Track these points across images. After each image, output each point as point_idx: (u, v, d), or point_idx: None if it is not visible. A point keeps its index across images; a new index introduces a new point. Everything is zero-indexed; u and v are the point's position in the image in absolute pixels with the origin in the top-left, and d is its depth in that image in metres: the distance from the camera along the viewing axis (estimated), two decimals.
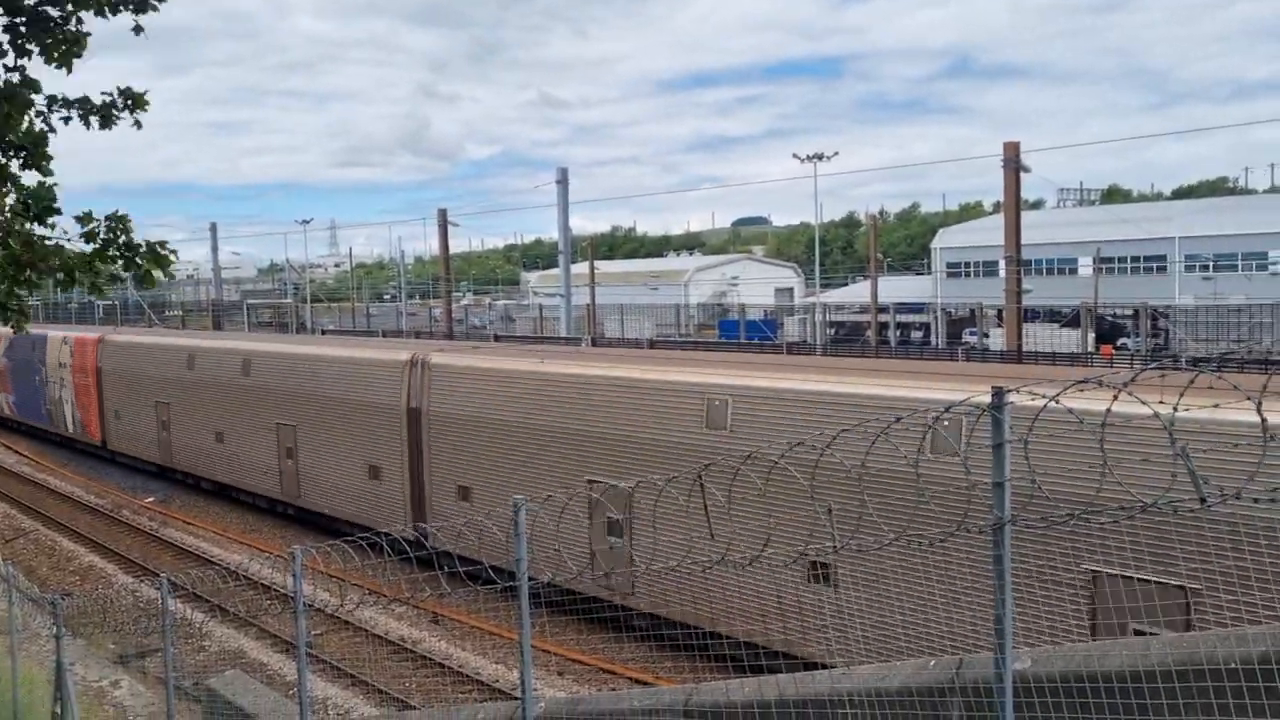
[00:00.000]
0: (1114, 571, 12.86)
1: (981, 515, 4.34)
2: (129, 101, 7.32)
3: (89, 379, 40.45)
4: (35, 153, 7.27)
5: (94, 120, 7.29)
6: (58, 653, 13.05)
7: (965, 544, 12.82)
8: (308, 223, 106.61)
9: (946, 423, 4.12)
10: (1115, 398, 3.74)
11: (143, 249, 7.47)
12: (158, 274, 7.68)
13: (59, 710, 12.80)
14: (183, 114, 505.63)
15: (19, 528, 31.70)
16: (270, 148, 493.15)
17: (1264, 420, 3.34)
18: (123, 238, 7.42)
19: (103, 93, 7.32)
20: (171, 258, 7.61)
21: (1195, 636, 4.77)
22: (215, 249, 76.98)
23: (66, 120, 7.29)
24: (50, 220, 7.41)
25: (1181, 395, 3.52)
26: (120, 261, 7.45)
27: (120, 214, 7.42)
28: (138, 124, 7.40)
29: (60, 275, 7.53)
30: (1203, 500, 3.47)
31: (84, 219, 7.42)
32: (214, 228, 76.08)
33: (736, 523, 5.80)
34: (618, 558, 18.94)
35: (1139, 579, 12.53)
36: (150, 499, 34.27)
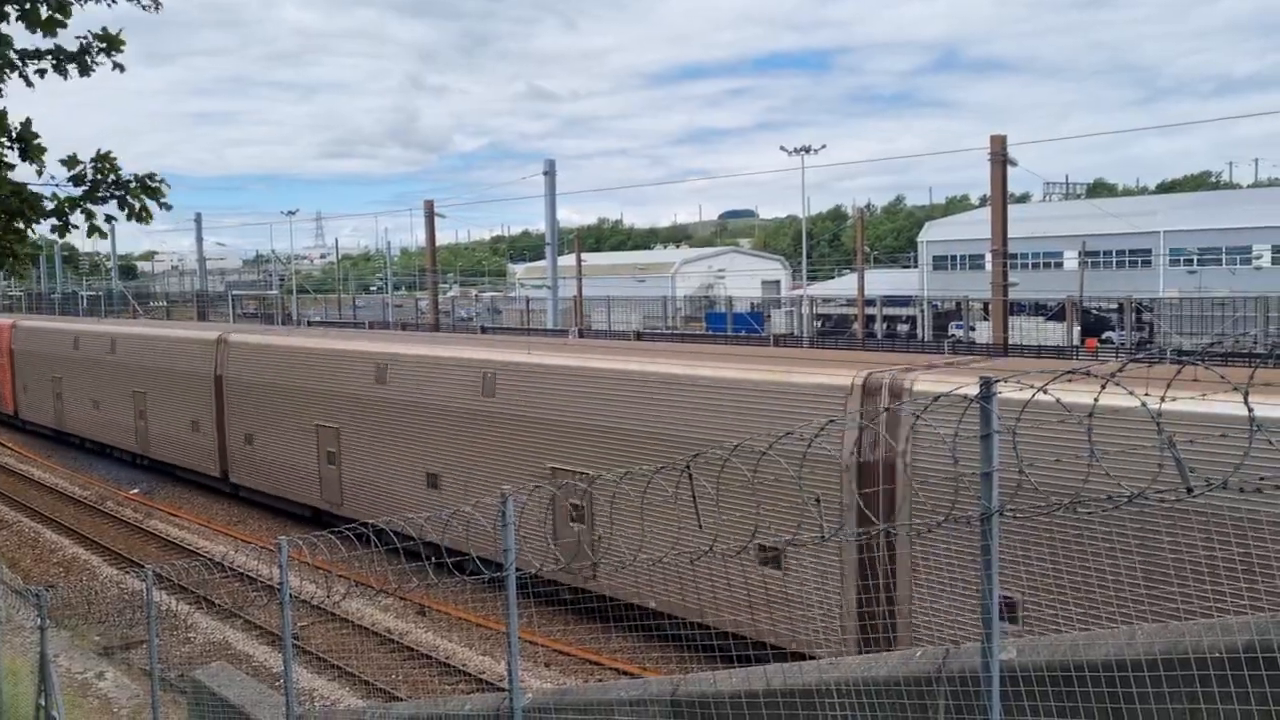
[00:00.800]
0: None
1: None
2: (104, 44, 7.15)
3: (4, 359, 47.29)
4: (29, 147, 7.14)
5: (71, 69, 7.12)
6: (41, 645, 12.97)
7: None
8: (293, 214, 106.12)
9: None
10: (1103, 387, 3.75)
11: (133, 184, 7.33)
12: (157, 212, 7.50)
13: (43, 702, 12.73)
14: (168, 104, 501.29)
15: (1, 520, 31.52)
16: (256, 139, 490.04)
17: (1250, 411, 3.35)
18: (111, 176, 7.28)
19: (77, 37, 7.15)
20: (163, 188, 7.46)
21: (1179, 626, 4.79)
22: (200, 240, 76.56)
23: (42, 74, 7.13)
24: (38, 164, 7.23)
25: (1169, 386, 3.54)
26: (113, 200, 7.31)
27: (105, 152, 7.26)
28: (119, 66, 7.24)
29: (55, 220, 7.37)
30: (1189, 490, 3.49)
31: (69, 161, 7.26)
32: (199, 218, 75.68)
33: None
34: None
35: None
36: (135, 490, 34.13)
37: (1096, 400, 3.83)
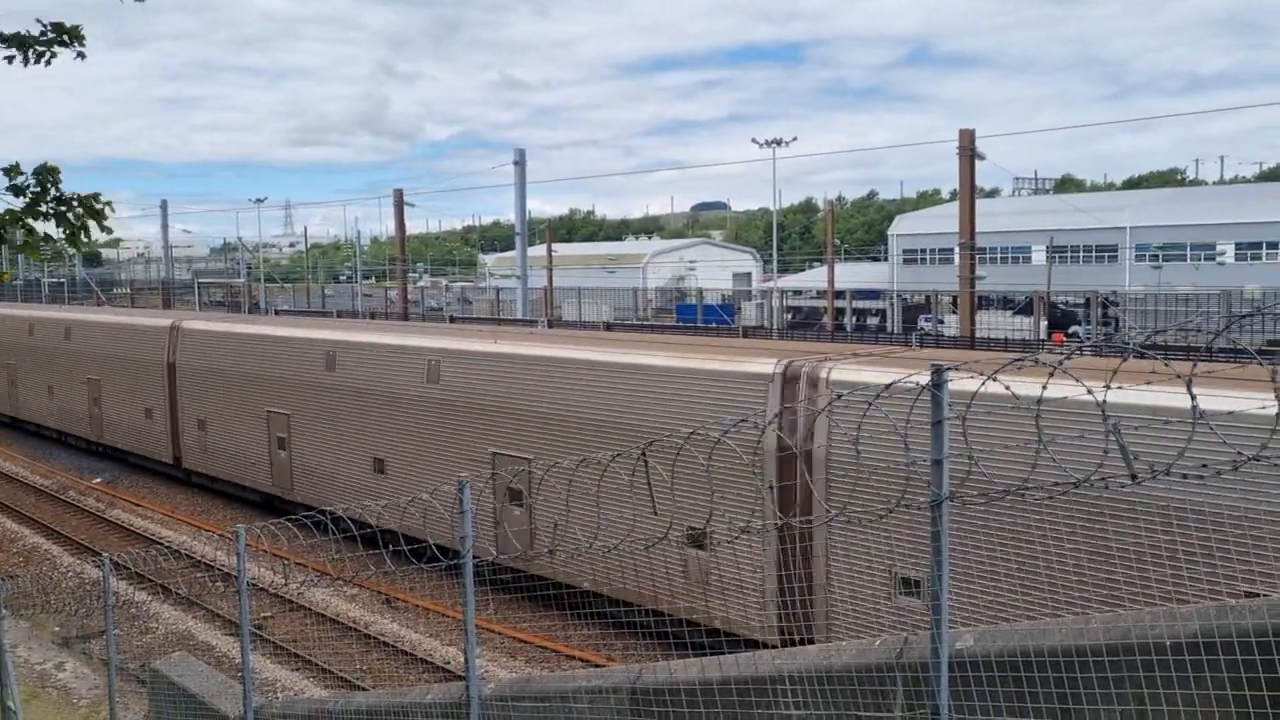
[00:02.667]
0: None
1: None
2: (62, 35, 7.01)
3: None
4: None
5: (31, 57, 6.98)
6: None
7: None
8: (262, 201, 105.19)
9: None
10: (1050, 374, 3.77)
11: (75, 203, 7.15)
12: (97, 235, 7.38)
13: None
14: (134, 89, 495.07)
15: None
16: (224, 125, 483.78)
17: (1194, 398, 3.38)
18: (53, 191, 7.10)
19: (38, 20, 7.01)
20: (108, 210, 7.30)
21: (1131, 615, 4.84)
22: (165, 227, 75.68)
23: (10, 60, 6.98)
24: None
25: (1114, 374, 3.56)
26: (52, 218, 7.13)
27: (49, 165, 7.10)
28: (81, 55, 7.12)
29: None
30: (1133, 477, 3.51)
31: (10, 171, 7.09)
32: (164, 205, 74.77)
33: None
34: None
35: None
36: (98, 480, 33.74)
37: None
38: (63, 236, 7.21)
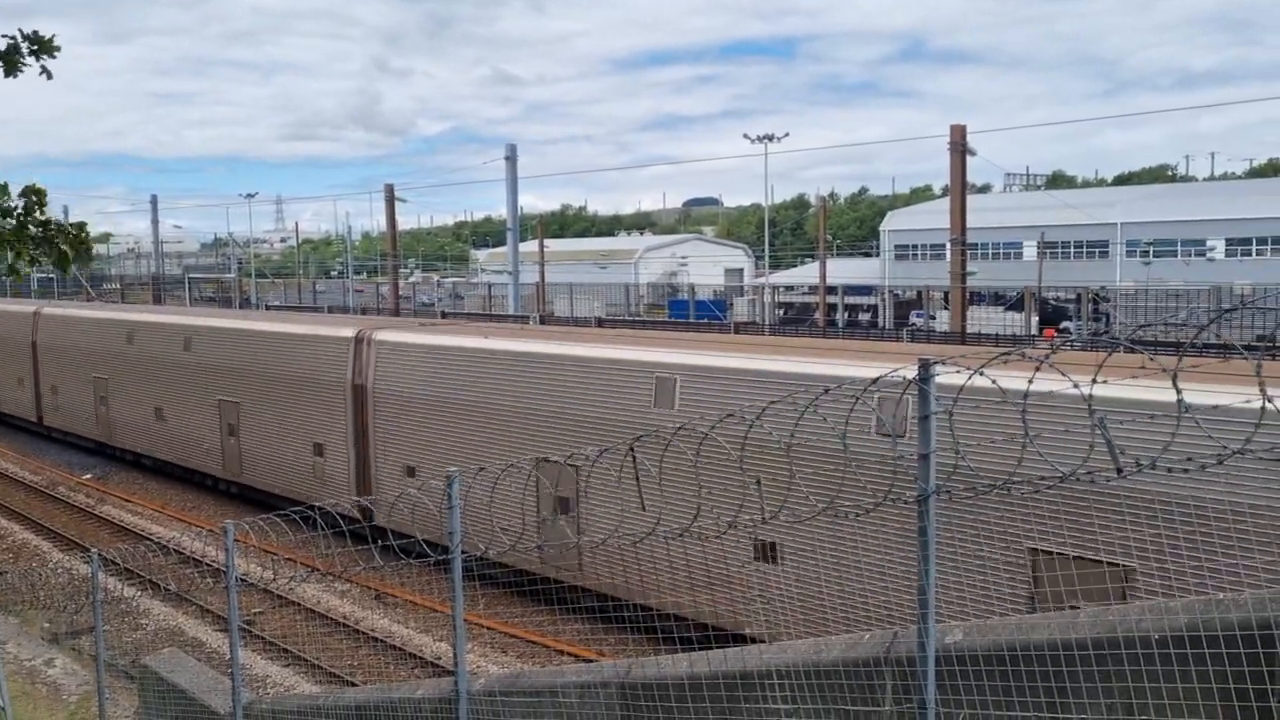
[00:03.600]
0: None
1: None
2: (35, 47, 6.94)
3: None
4: None
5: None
6: None
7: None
8: (253, 196, 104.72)
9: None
10: (1035, 371, 3.77)
11: (53, 230, 7.15)
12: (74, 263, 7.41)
13: None
14: (125, 84, 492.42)
15: None
16: (215, 120, 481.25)
17: (1179, 392, 3.38)
18: (37, 214, 7.08)
19: (3, 35, 6.95)
20: (94, 247, 7.39)
21: (1120, 609, 4.85)
22: (156, 222, 75.46)
23: None
24: None
25: (1100, 368, 3.56)
26: (41, 243, 7.12)
27: (36, 187, 7.07)
28: (47, 73, 7.01)
29: None
30: (1119, 470, 3.52)
31: None
32: (154, 200, 74.58)
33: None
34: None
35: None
36: (88, 475, 33.64)
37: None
38: (50, 263, 7.25)
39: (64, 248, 7.28)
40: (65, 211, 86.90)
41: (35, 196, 7.10)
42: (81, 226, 7.47)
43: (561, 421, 19.65)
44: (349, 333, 25.66)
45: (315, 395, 26.14)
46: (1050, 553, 12.58)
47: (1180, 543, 10.98)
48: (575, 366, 19.84)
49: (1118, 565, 11.88)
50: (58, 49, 6.97)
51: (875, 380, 4.11)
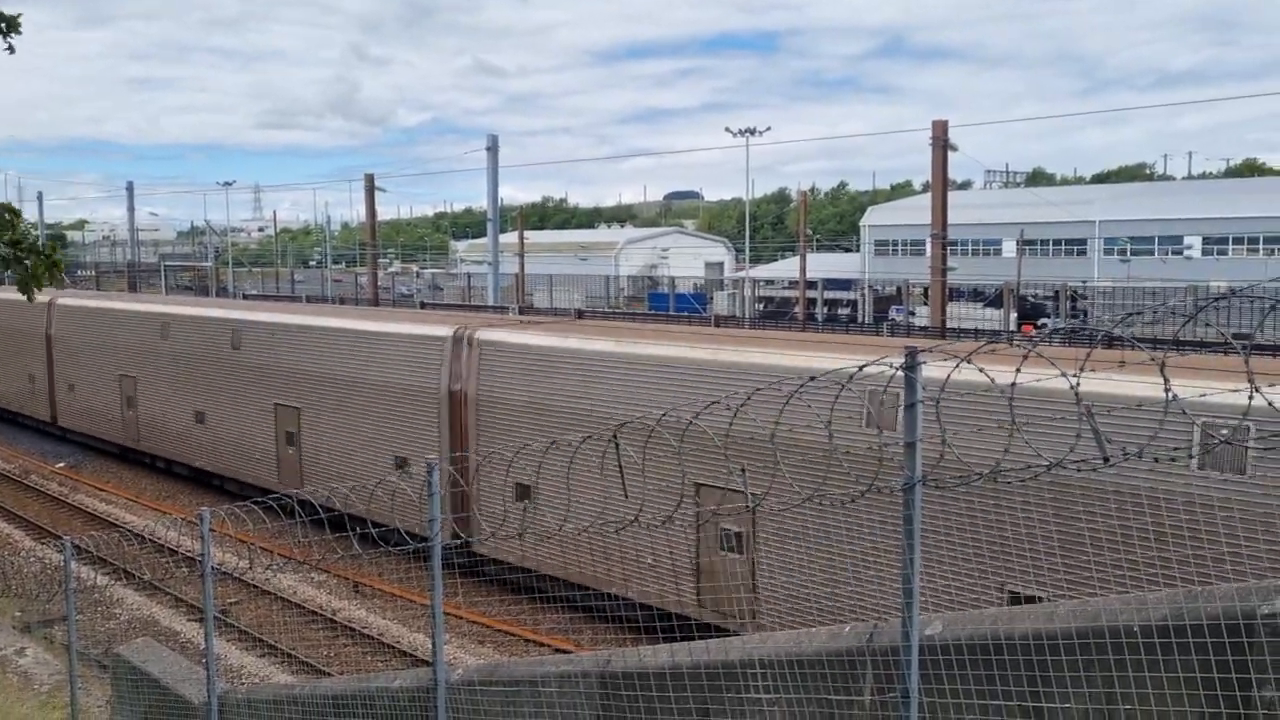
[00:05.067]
0: None
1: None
2: (1, 25, 6.89)
3: None
4: None
5: None
6: None
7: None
8: (230, 184, 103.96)
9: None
10: (1021, 362, 3.76)
11: (34, 247, 7.14)
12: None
13: None
14: (103, 69, 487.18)
15: None
16: (193, 106, 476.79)
17: (1167, 381, 3.38)
18: (7, 234, 7.05)
19: None
20: (61, 263, 7.42)
21: (1099, 601, 4.86)
22: (131, 210, 74.62)
23: None
24: None
25: (1087, 357, 3.56)
26: (11, 261, 7.09)
27: (9, 205, 7.08)
28: (10, 48, 7.00)
29: None
30: (1106, 459, 3.51)
31: None
32: (130, 187, 73.66)
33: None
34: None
35: None
36: (61, 464, 33.32)
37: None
38: (18, 281, 7.24)
39: (37, 267, 7.26)
40: (40, 198, 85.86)
41: (10, 213, 7.07)
42: (54, 248, 7.49)
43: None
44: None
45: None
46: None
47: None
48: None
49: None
50: (20, 27, 6.94)
51: (861, 367, 4.09)
